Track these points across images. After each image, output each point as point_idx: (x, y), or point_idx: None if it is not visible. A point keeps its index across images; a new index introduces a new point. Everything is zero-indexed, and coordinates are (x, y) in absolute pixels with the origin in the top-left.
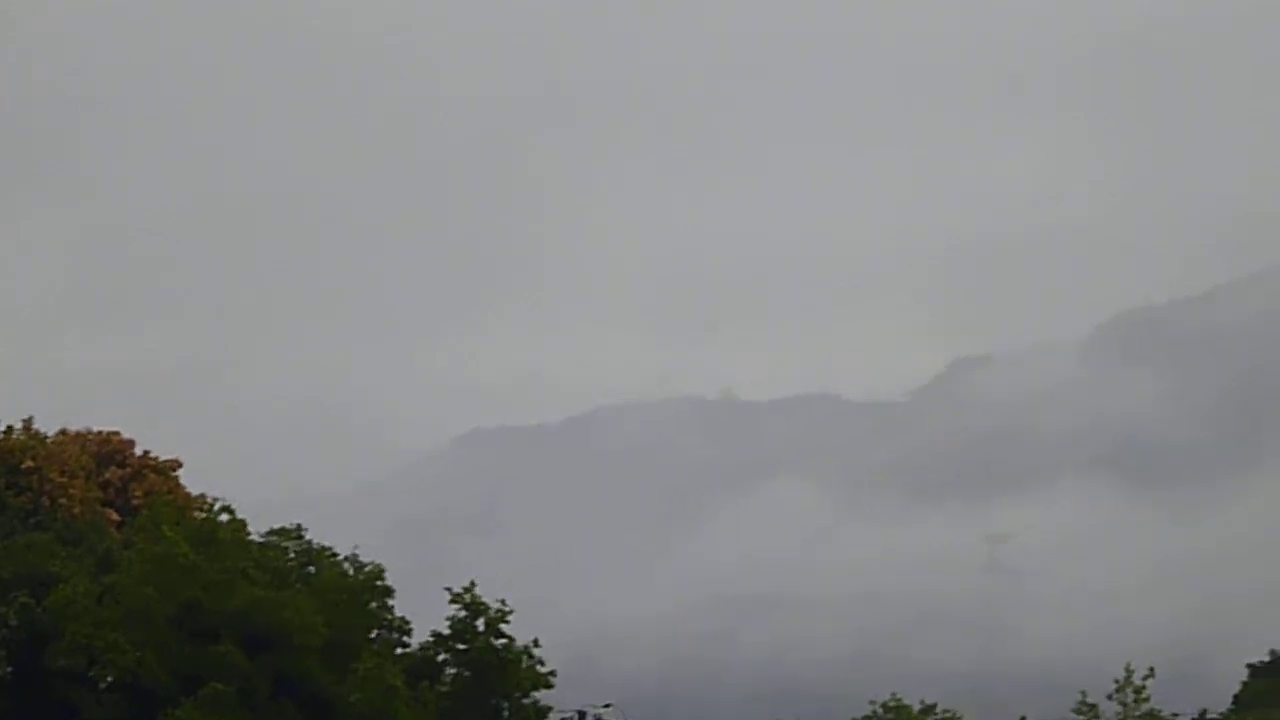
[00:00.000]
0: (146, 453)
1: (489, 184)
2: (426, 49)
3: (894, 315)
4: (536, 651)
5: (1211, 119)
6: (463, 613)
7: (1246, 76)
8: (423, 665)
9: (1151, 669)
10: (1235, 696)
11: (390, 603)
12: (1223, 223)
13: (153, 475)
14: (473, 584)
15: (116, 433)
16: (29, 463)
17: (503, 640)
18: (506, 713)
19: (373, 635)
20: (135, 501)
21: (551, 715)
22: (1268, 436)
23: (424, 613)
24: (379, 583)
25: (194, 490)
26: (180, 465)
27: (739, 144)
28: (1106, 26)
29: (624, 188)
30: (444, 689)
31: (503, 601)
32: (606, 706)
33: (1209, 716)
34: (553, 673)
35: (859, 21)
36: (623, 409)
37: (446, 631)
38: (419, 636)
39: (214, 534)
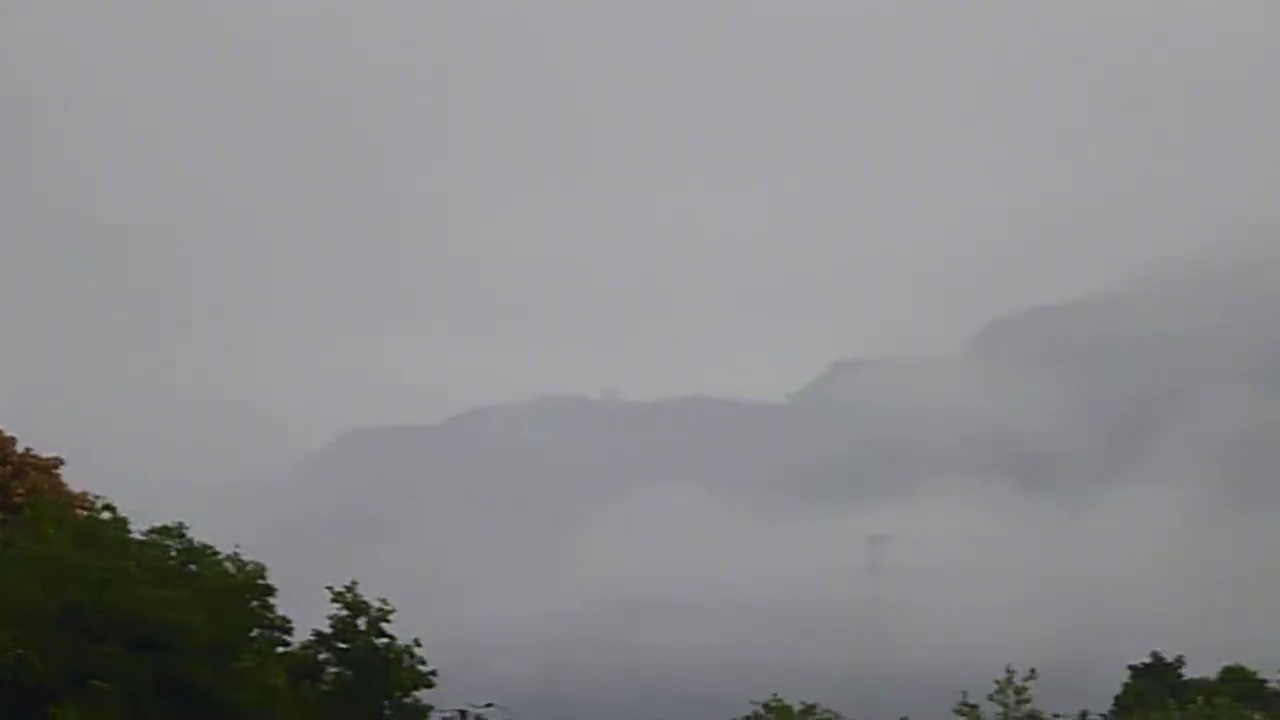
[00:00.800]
0: (28, 450)
1: (377, 186)
2: (316, 48)
3: (775, 318)
4: (418, 651)
5: (1106, 130)
6: (344, 611)
7: (1158, 89)
8: (304, 664)
9: (1033, 670)
10: (1116, 698)
11: (272, 601)
12: (1100, 230)
13: (35, 472)
14: (354, 583)
15: None
16: None
17: (384, 639)
18: (388, 711)
19: (254, 634)
20: (17, 498)
21: (433, 715)
22: (1148, 442)
23: (306, 611)
24: (261, 581)
25: (77, 488)
26: (62, 463)
27: (621, 147)
28: (998, 41)
29: (509, 191)
30: (325, 688)
31: (384, 601)
32: (487, 706)
33: (1090, 717)
34: (434, 672)
35: (746, 31)
36: (506, 409)
37: (328, 630)
38: (301, 635)
39: (96, 532)
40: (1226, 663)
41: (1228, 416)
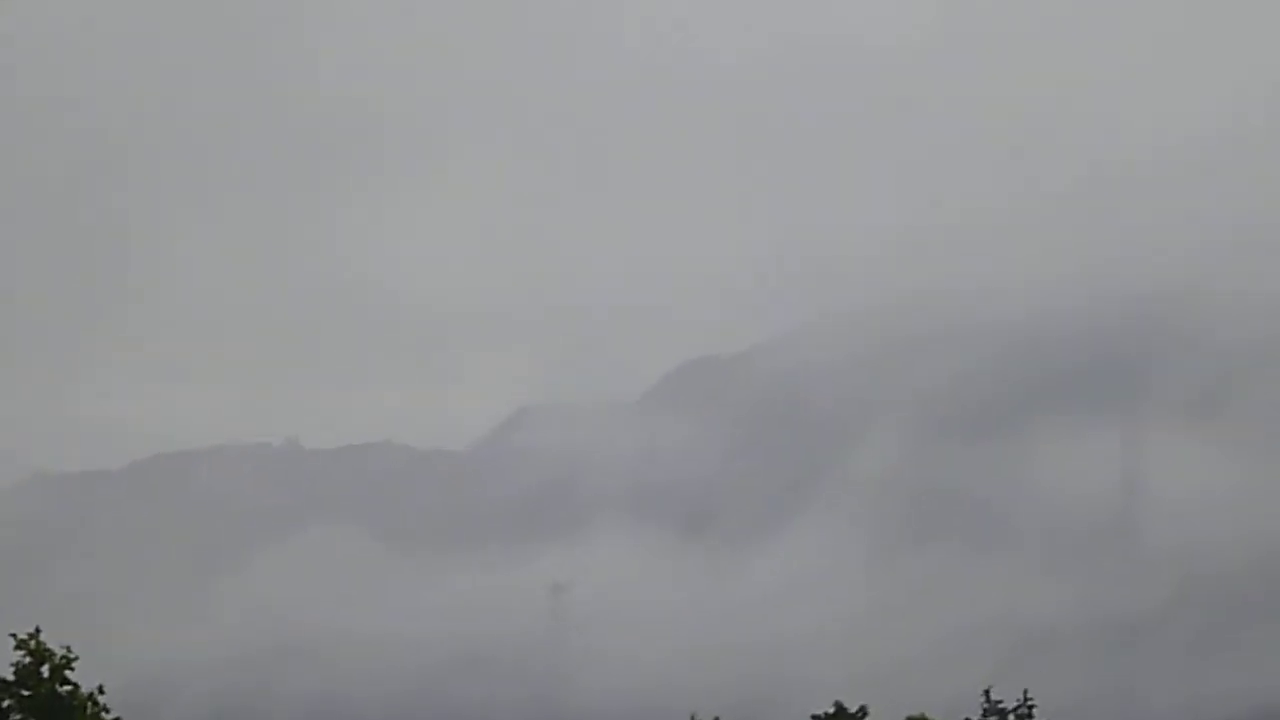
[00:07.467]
0: None
1: (69, 225)
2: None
3: (461, 365)
4: (101, 699)
5: (750, 189)
6: (27, 659)
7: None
8: None
9: (717, 718)
10: None
11: None
12: (766, 279)
13: None
14: (38, 630)
15: None
16: None
17: (68, 687)
18: None
19: None
20: None
21: None
22: (812, 485)
23: None
24: None
25: None
26: None
27: (302, 188)
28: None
29: (194, 234)
30: None
31: (68, 648)
32: None
33: None
34: (117, 719)
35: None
36: (187, 456)
37: (10, 677)
38: None
39: None
40: (909, 711)
41: (885, 458)
